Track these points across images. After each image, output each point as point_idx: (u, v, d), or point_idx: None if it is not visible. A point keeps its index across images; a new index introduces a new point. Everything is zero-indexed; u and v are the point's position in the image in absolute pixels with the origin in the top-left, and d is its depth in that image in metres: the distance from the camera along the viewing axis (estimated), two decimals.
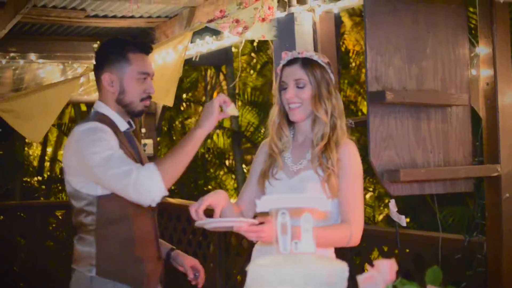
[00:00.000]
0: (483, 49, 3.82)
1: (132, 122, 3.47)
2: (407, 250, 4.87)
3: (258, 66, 13.51)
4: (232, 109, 3.24)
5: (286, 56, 3.30)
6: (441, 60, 3.66)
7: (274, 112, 3.37)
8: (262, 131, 11.76)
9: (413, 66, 3.55)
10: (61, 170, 13.39)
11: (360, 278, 2.37)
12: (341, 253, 4.86)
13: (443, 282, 4.02)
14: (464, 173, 3.64)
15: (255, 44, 10.78)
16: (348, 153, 3.13)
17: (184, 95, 14.83)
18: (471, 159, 3.79)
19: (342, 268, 2.30)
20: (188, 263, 3.66)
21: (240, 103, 12.89)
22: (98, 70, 3.39)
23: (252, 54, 13.50)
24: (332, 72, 3.24)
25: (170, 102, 5.87)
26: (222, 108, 3.27)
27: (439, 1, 3.67)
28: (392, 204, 3.58)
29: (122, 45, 3.40)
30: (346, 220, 3.09)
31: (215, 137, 13.93)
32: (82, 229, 3.33)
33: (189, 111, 15.76)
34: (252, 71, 14.20)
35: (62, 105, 5.13)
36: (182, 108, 14.78)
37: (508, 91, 3.80)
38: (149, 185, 3.03)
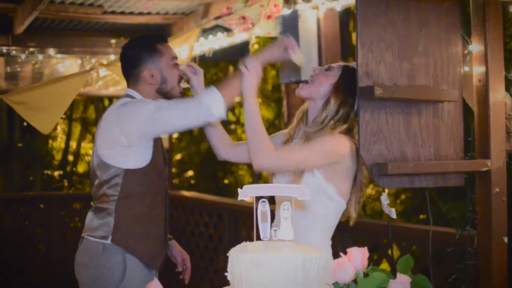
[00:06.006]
0: (475, 47, 3.88)
1: None
2: (404, 244, 4.96)
3: (279, 64, 13.52)
4: (298, 57, 3.51)
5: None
6: (433, 57, 3.73)
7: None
8: (277, 126, 11.88)
9: (404, 63, 3.62)
10: (83, 165, 13.56)
11: (331, 265, 2.49)
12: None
13: (435, 274, 4.10)
14: (453, 168, 3.71)
15: None
16: (322, 137, 3.34)
17: None
18: (463, 154, 3.85)
19: (318, 255, 2.41)
20: (180, 256, 3.85)
21: (260, 100, 12.98)
22: (134, 68, 3.66)
23: None
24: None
25: None
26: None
27: (431, 1, 3.74)
28: (384, 197, 3.66)
29: (149, 40, 3.70)
30: None
31: (239, 131, 14.03)
32: (102, 199, 3.57)
33: None
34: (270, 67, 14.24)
35: (72, 98, 5.27)
36: None
37: (499, 88, 3.86)
38: (213, 102, 3.38)
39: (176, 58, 3.70)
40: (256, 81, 3.30)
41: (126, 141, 3.45)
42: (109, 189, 3.53)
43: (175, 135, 9.94)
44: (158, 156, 3.59)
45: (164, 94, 3.64)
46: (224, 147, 3.74)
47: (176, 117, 3.41)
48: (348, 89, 3.48)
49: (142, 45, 3.66)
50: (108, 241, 3.50)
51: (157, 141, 3.61)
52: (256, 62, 3.30)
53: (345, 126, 3.42)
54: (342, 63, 3.62)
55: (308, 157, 3.27)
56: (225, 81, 3.45)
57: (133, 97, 3.61)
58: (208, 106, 3.36)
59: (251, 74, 3.28)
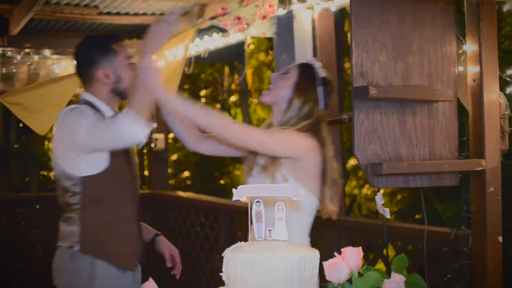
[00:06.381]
0: (470, 47, 3.89)
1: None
2: (399, 244, 4.97)
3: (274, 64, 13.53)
4: (173, 18, 3.46)
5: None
6: (428, 57, 3.75)
7: None
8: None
9: (399, 62, 3.64)
10: None
11: (325, 264, 2.50)
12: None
13: (430, 274, 4.11)
14: (447, 167, 3.72)
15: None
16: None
17: (204, 92, 14.98)
18: (457, 153, 3.87)
19: (313, 255, 2.42)
20: (168, 251, 3.86)
21: (257, 100, 13.00)
22: (88, 68, 3.62)
23: (270, 51, 13.57)
24: (324, 91, 3.46)
25: None
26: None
27: (426, 0, 3.76)
28: (379, 197, 3.67)
29: (103, 39, 3.67)
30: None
31: None
32: (67, 208, 3.55)
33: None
34: (267, 67, 14.28)
35: (68, 98, 5.24)
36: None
37: (493, 87, 3.87)
38: (130, 127, 3.28)
39: (130, 57, 3.67)
40: (159, 76, 3.21)
41: (77, 149, 3.44)
42: (70, 198, 3.51)
43: (171, 135, 9.94)
44: (117, 158, 3.55)
45: (119, 93, 3.62)
46: (191, 139, 3.74)
47: (104, 140, 3.38)
48: (308, 84, 3.50)
49: (96, 44, 3.64)
50: (76, 250, 3.51)
51: None
52: (148, 63, 3.23)
53: (308, 121, 3.42)
54: (298, 63, 3.62)
55: (270, 139, 3.29)
56: (133, 94, 3.37)
57: (87, 101, 3.58)
58: (124, 134, 3.31)
59: (151, 77, 3.20)
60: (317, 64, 3.55)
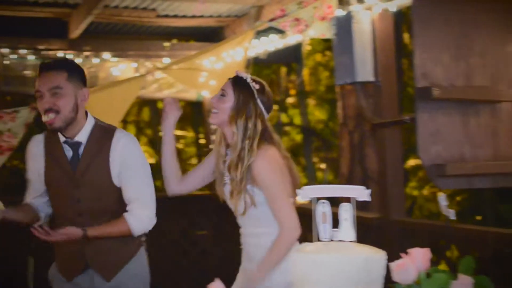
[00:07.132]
0: None
1: (85, 136, 3.74)
2: (462, 245, 4.92)
3: (332, 64, 13.48)
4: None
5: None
6: (490, 57, 3.72)
7: None
8: (331, 127, 11.95)
9: (461, 63, 3.62)
10: None
11: (392, 265, 2.49)
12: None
13: (494, 276, 4.06)
14: None
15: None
16: (259, 167, 3.37)
17: None
18: None
19: (380, 256, 2.42)
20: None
21: (314, 101, 13.00)
22: None
23: (326, 52, 13.52)
24: (262, 100, 3.45)
25: None
26: None
27: (486, 1, 3.72)
28: (442, 198, 3.64)
29: None
30: (279, 222, 3.35)
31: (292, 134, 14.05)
32: None
33: None
34: (323, 68, 14.21)
35: (128, 103, 5.30)
36: None
37: None
38: None
39: (38, 91, 3.56)
40: None
41: None
42: None
43: None
44: (53, 182, 3.67)
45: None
46: (175, 183, 3.74)
47: None
48: (246, 102, 3.45)
49: None
50: None
51: (61, 162, 3.64)
52: None
53: (257, 138, 3.42)
54: (230, 78, 3.56)
55: (284, 191, 3.35)
56: None
57: None
58: None
59: None
60: (249, 77, 3.52)
